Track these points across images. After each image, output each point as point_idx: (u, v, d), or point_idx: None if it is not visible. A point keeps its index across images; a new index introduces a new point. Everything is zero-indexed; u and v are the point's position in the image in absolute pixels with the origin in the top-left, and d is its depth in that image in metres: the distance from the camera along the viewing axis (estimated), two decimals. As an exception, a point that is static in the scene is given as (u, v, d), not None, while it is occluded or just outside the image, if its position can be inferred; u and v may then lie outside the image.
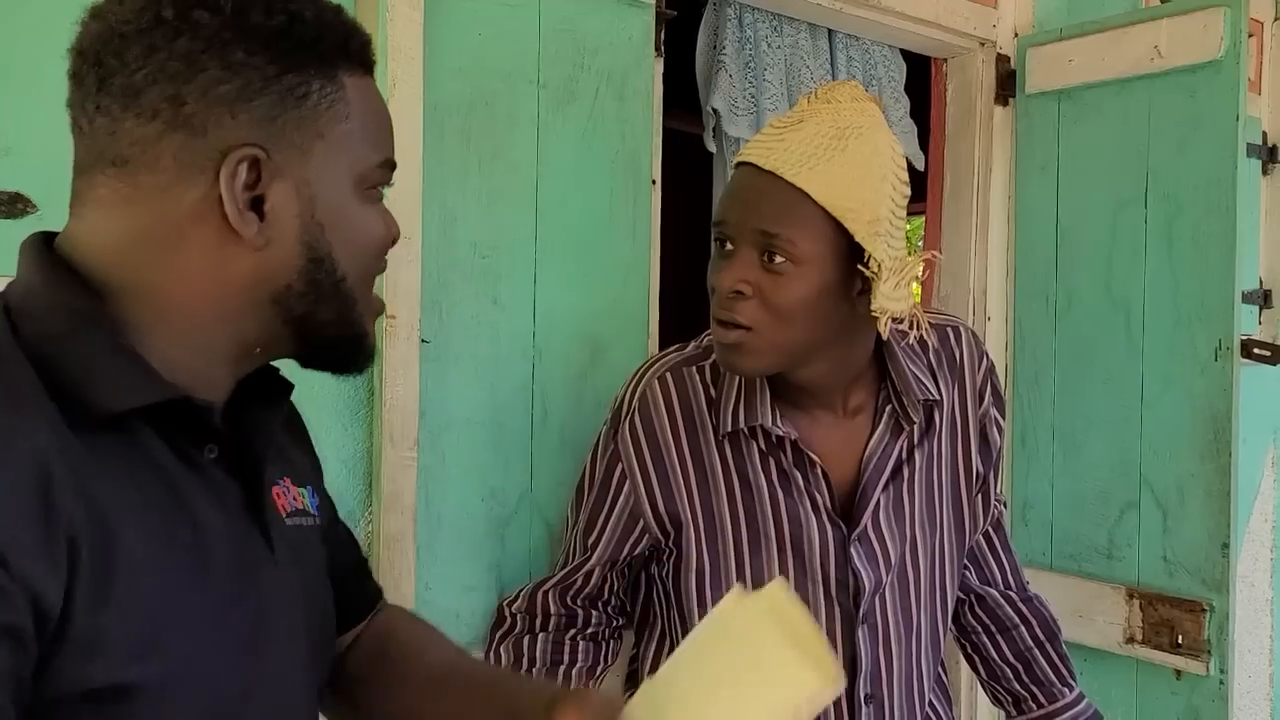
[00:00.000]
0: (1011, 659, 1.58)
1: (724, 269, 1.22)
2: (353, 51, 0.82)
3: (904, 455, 1.37)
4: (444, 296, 1.56)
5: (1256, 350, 2.28)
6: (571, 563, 1.44)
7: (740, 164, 1.25)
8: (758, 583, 1.32)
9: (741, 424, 1.32)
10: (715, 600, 1.34)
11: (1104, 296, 2.23)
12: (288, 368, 0.91)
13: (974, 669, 1.64)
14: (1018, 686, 1.58)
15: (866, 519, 1.35)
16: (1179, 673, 2.11)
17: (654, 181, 1.79)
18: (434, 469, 1.55)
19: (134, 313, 0.77)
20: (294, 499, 0.92)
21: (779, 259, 1.18)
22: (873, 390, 1.36)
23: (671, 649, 1.41)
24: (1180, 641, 2.08)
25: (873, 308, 1.20)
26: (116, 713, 0.71)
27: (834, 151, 1.18)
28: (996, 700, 1.63)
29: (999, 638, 1.58)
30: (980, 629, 1.59)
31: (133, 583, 0.71)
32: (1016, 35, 2.37)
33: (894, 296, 1.21)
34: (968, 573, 1.57)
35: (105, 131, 0.76)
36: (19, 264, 0.79)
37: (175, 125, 0.75)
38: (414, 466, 1.51)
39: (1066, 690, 1.57)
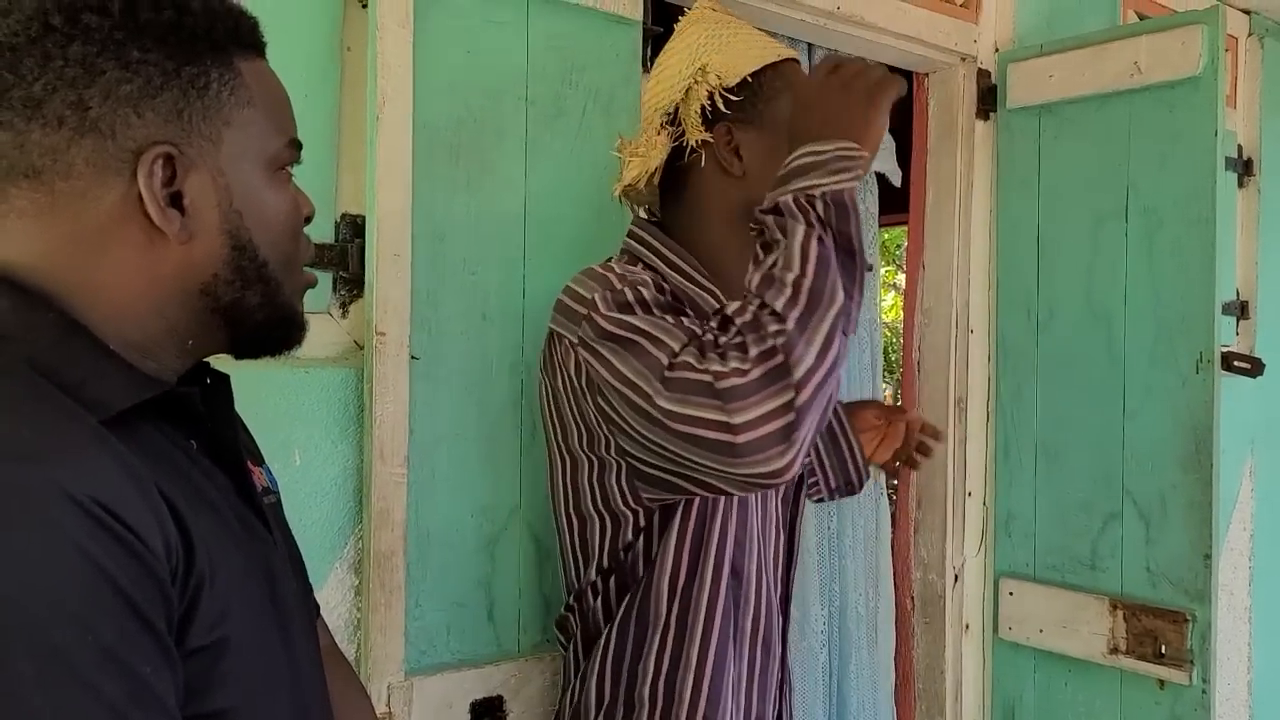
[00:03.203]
0: None
1: None
2: (243, 35, 0.83)
3: None
4: (433, 312, 1.56)
5: (1237, 363, 2.31)
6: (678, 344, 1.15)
7: (793, 60, 1.40)
8: None
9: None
10: None
11: (1085, 309, 2.25)
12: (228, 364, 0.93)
13: None
14: None
15: None
16: (1162, 683, 2.13)
17: (641, 197, 1.80)
18: (424, 485, 1.55)
19: (81, 317, 0.77)
20: (257, 479, 0.94)
21: None
22: None
23: None
24: (1164, 651, 2.10)
25: None
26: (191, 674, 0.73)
27: None
28: None
29: None
30: None
31: (205, 556, 0.74)
32: (997, 50, 2.40)
33: None
34: None
35: (12, 145, 0.75)
36: None
37: (83, 131, 0.75)
38: (404, 483, 1.51)
39: None
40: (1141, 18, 2.61)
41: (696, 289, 1.37)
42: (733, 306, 1.15)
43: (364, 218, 1.50)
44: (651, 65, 1.83)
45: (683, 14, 1.92)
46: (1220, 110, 2.05)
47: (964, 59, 2.37)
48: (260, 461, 1.00)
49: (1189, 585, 2.08)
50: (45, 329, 0.75)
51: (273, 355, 0.90)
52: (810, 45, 2.31)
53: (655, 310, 1.21)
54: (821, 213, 1.15)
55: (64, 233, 0.77)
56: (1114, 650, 2.17)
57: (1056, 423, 2.30)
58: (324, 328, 1.51)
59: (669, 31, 1.78)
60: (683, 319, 1.20)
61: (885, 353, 5.87)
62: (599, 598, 1.37)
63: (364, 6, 1.50)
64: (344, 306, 1.55)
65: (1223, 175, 2.08)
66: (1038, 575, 2.33)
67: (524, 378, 1.66)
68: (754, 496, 1.34)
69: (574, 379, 1.27)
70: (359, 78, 1.51)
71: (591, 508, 1.34)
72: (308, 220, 0.90)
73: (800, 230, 1.14)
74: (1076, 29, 2.44)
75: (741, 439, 1.06)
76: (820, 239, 1.14)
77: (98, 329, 0.77)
